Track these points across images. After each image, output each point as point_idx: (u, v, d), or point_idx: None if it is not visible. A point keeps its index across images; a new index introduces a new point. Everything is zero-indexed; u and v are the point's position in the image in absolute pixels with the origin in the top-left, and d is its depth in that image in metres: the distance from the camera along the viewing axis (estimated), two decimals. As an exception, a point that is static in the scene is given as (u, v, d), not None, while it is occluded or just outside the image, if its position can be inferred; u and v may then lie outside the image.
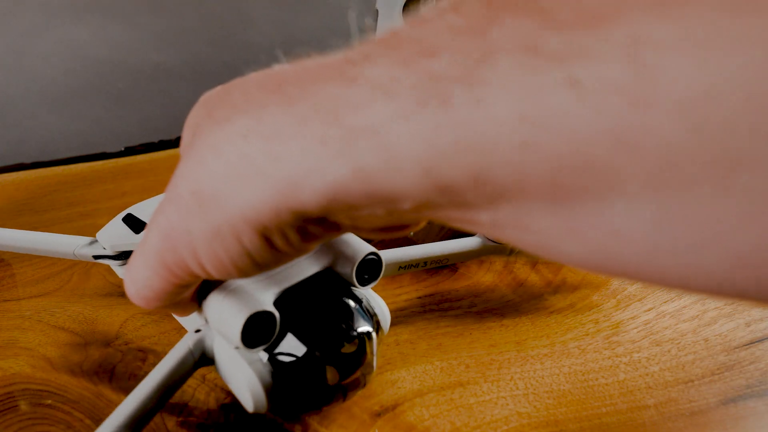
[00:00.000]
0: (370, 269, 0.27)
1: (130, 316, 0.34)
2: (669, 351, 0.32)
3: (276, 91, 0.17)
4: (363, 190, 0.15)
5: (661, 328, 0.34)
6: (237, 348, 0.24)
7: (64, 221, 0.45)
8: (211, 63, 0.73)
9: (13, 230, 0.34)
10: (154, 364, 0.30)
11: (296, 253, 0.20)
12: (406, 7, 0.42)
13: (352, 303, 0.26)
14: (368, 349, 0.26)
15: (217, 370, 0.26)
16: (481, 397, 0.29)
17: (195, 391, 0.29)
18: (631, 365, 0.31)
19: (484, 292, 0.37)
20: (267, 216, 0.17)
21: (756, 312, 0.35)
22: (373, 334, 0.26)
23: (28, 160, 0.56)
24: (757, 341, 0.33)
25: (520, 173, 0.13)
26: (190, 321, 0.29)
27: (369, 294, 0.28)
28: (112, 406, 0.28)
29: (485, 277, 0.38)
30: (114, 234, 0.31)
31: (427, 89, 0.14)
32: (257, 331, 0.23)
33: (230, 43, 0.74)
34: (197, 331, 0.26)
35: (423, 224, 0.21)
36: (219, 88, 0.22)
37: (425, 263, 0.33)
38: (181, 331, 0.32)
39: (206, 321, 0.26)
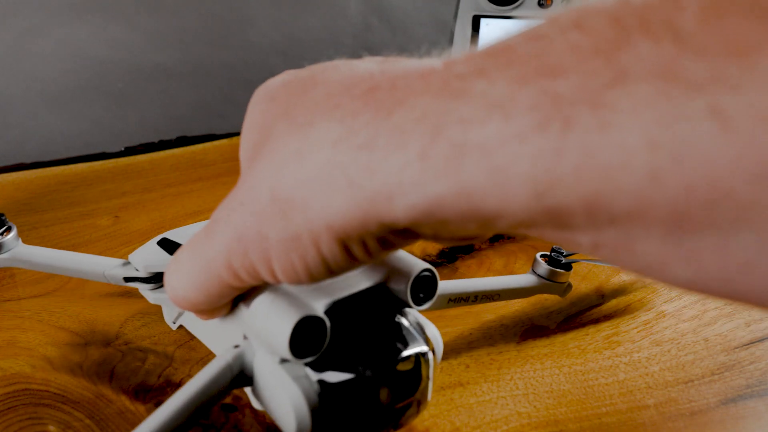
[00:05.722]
0: (425, 287, 0.26)
1: (130, 316, 0.34)
2: (669, 351, 0.32)
3: (366, 98, 0.17)
4: (462, 208, 0.15)
5: (661, 328, 0.34)
6: (282, 362, 0.22)
7: (64, 221, 0.45)
8: (211, 63, 0.73)
9: (43, 249, 0.32)
10: (154, 364, 0.30)
11: (370, 260, 0.19)
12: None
13: (406, 322, 0.25)
14: (424, 373, 0.24)
15: (253, 393, 0.24)
16: (481, 397, 0.29)
17: (195, 391, 0.29)
18: (631, 365, 0.31)
19: (484, 292, 0.37)
20: (352, 226, 0.17)
21: (756, 312, 0.35)
22: (430, 356, 0.24)
23: (28, 160, 0.56)
24: (757, 341, 0.33)
25: (643, 203, 0.12)
26: (214, 330, 0.27)
27: (422, 319, 0.26)
28: (112, 406, 0.28)
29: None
30: (149, 256, 0.30)
31: (548, 111, 0.13)
32: (307, 339, 0.22)
33: (230, 43, 0.74)
34: (236, 346, 0.24)
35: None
36: (284, 80, 0.20)
37: (476, 297, 0.32)
38: (180, 329, 0.32)
39: (244, 336, 0.24)
